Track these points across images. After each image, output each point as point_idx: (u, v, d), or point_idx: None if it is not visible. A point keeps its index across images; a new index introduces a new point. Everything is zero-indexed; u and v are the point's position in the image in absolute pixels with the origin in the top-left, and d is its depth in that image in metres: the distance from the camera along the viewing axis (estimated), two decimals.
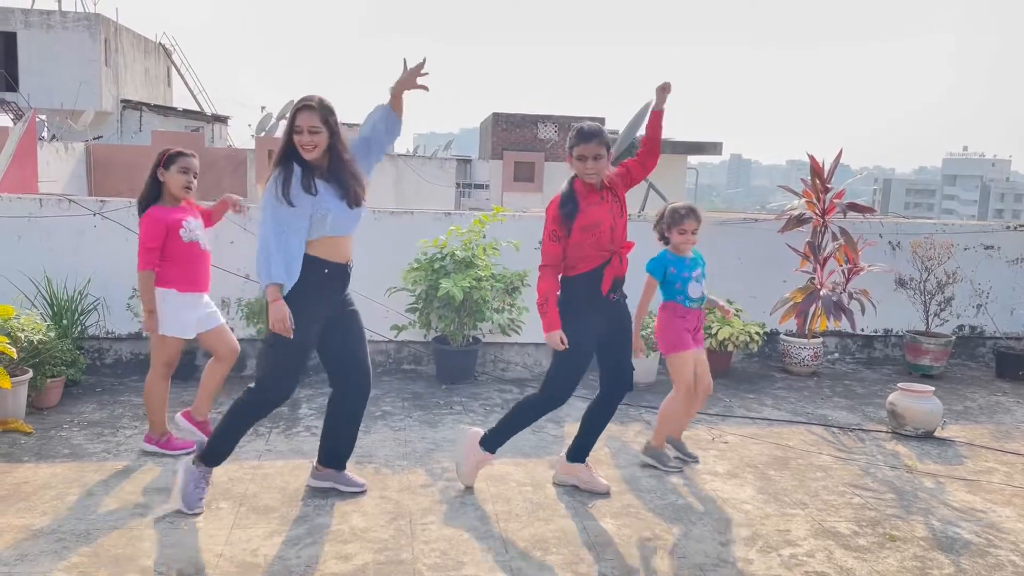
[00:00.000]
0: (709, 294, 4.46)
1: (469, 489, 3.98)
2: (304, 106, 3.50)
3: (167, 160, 4.21)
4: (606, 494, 3.95)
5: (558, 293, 3.74)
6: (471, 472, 3.99)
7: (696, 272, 4.32)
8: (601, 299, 3.77)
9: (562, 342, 3.67)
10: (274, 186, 3.49)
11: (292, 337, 3.48)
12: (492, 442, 3.97)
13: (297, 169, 3.52)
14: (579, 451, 4.04)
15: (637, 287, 4.25)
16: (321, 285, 3.60)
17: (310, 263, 3.56)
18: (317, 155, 3.52)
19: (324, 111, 3.51)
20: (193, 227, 4.25)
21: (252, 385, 3.66)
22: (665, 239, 4.36)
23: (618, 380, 3.92)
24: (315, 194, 3.50)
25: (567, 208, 3.68)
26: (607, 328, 3.84)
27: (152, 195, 4.23)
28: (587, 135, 3.66)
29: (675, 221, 4.26)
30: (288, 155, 3.54)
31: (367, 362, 3.83)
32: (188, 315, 4.25)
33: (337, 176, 3.56)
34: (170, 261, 4.19)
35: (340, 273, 3.67)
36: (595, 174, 3.69)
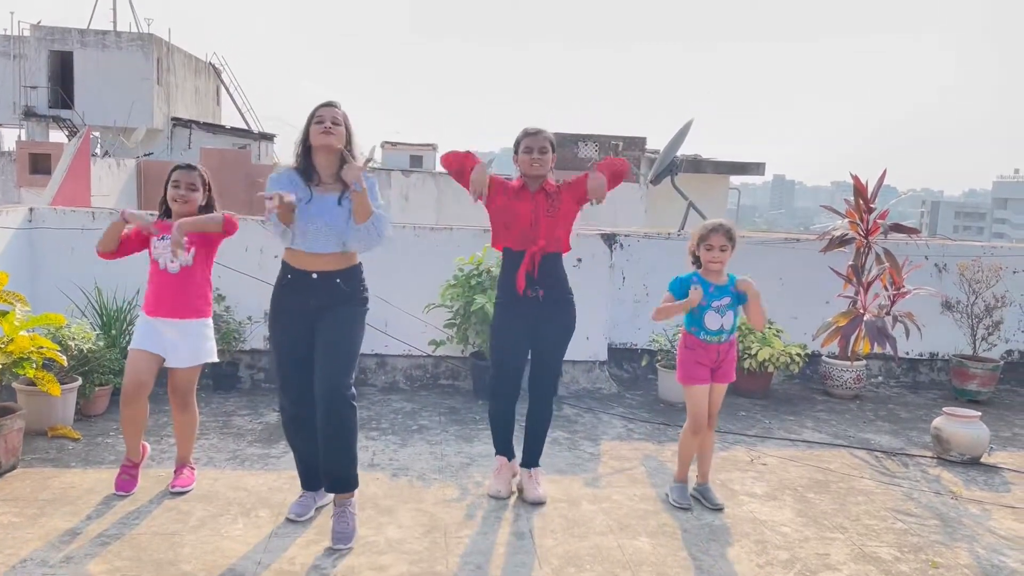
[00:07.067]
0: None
1: (503, 503, 3.99)
2: (326, 103, 3.54)
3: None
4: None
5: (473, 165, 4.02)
6: (492, 480, 4.17)
7: (719, 302, 4.00)
8: (520, 296, 3.98)
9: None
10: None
11: None
12: (496, 448, 4.27)
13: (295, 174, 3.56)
14: (525, 456, 4.23)
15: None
16: (284, 290, 3.62)
17: (282, 264, 3.64)
18: (334, 142, 3.47)
19: (342, 109, 3.56)
20: (163, 247, 3.86)
21: None
22: (698, 261, 4.10)
23: (532, 381, 4.19)
24: (306, 198, 3.48)
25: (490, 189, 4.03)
26: (536, 327, 4.04)
27: (162, 212, 4.00)
28: (534, 130, 3.99)
29: (703, 236, 4.02)
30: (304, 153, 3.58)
31: (326, 371, 3.49)
32: (148, 331, 3.91)
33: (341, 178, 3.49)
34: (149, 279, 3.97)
35: (302, 280, 3.55)
36: (540, 166, 3.94)
